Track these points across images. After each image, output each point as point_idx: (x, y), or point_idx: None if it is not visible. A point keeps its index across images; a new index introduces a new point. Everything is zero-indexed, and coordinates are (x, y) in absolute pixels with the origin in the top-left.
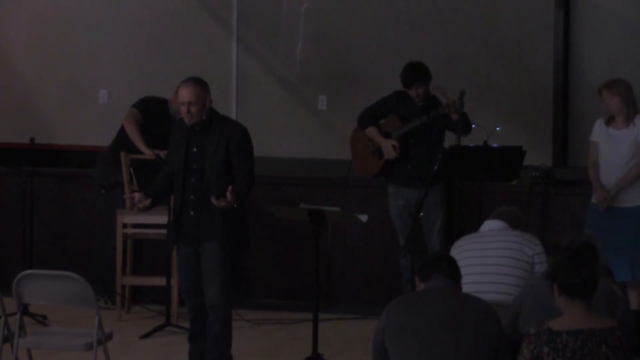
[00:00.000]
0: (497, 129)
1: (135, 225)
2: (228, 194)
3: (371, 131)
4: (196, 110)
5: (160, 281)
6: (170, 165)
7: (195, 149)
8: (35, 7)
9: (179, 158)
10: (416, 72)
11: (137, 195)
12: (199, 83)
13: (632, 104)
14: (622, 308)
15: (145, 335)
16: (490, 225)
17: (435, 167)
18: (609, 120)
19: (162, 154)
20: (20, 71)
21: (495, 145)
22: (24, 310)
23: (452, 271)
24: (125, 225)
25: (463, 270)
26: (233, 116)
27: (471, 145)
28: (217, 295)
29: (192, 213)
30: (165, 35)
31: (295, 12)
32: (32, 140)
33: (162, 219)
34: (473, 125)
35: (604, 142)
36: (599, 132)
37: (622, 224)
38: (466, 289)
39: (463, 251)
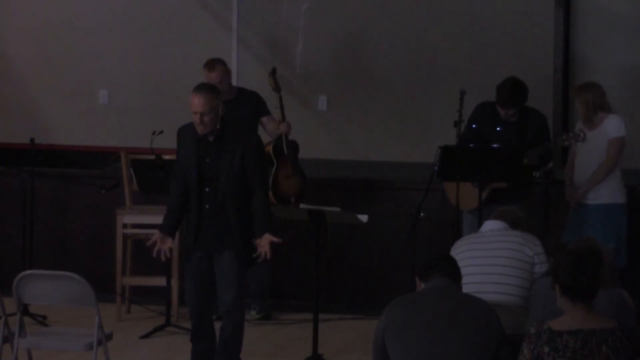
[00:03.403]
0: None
1: (135, 226)
2: (265, 244)
3: None
4: (209, 120)
5: (160, 281)
6: (181, 176)
7: (208, 160)
8: (35, 8)
9: (192, 170)
10: (514, 97)
11: (157, 237)
12: (212, 91)
13: (597, 107)
14: (633, 319)
15: (145, 335)
16: (490, 225)
17: (436, 168)
18: (584, 121)
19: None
20: (20, 71)
21: (495, 145)
22: (24, 310)
23: (453, 271)
24: (125, 225)
25: (463, 271)
26: None
27: (471, 145)
28: (232, 301)
29: (208, 222)
30: (165, 35)
31: (295, 12)
32: (32, 140)
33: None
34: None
35: (580, 142)
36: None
37: (589, 221)
38: (466, 289)
39: (463, 251)
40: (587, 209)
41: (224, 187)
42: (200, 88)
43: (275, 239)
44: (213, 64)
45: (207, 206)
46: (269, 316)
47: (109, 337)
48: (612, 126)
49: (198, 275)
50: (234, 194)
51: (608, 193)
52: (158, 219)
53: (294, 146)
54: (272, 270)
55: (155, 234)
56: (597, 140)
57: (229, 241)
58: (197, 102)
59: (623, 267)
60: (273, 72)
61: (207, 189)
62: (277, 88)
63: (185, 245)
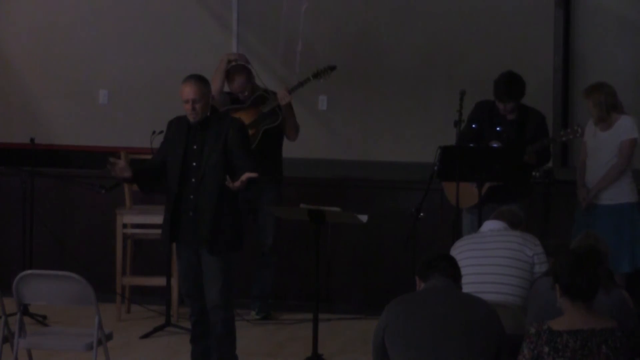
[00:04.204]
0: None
1: (135, 226)
2: (243, 177)
3: None
4: (200, 107)
5: (160, 281)
6: (161, 159)
7: (195, 147)
8: (35, 8)
9: (176, 155)
10: (510, 89)
11: (121, 162)
12: (202, 80)
13: (611, 108)
14: (633, 319)
15: (145, 335)
16: (490, 225)
17: (436, 167)
18: (598, 122)
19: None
20: (20, 71)
21: (495, 145)
22: (24, 310)
23: (453, 271)
24: (125, 225)
25: (463, 271)
26: None
27: (471, 145)
28: (217, 296)
29: (191, 214)
30: (165, 36)
31: (295, 12)
32: (32, 140)
33: (162, 219)
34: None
35: (591, 143)
36: (589, 133)
37: (601, 221)
38: (466, 289)
39: (463, 251)
40: (599, 209)
41: (203, 171)
42: (190, 77)
43: (253, 175)
44: (233, 75)
45: (191, 196)
46: (268, 316)
47: (109, 337)
48: (625, 127)
49: (190, 274)
50: (212, 180)
51: (620, 193)
52: (158, 219)
53: (274, 116)
54: (275, 274)
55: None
56: (610, 141)
57: (205, 234)
58: (188, 90)
59: None
60: (333, 67)
61: (193, 180)
62: (316, 75)
63: (162, 235)
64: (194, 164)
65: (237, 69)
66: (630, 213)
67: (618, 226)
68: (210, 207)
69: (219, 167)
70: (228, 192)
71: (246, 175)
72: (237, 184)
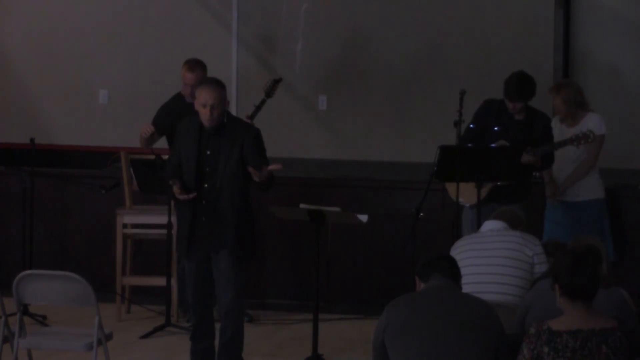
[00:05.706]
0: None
1: (135, 226)
2: (271, 167)
3: None
4: (218, 114)
5: (160, 281)
6: (176, 161)
7: (209, 152)
8: (35, 7)
9: (190, 161)
10: (521, 89)
11: (179, 185)
12: (221, 85)
13: (578, 105)
14: (633, 319)
15: (145, 335)
16: (490, 225)
17: (435, 167)
18: (564, 118)
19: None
20: (20, 71)
21: (495, 145)
22: (24, 310)
23: (453, 271)
24: (125, 226)
25: (463, 271)
26: None
27: (471, 145)
28: (231, 302)
29: (204, 219)
30: (165, 35)
31: (295, 12)
32: (32, 140)
33: (162, 219)
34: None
35: (558, 139)
36: (554, 130)
37: (583, 217)
38: (466, 289)
39: (463, 251)
40: (567, 206)
41: (221, 178)
42: (210, 80)
43: (278, 167)
44: (194, 66)
45: (204, 202)
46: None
47: (109, 337)
48: (594, 124)
49: (198, 275)
50: (230, 187)
51: (590, 189)
52: (158, 219)
53: None
54: (270, 274)
55: (173, 182)
56: None
57: (225, 239)
58: (208, 95)
59: (611, 260)
60: (278, 80)
61: (205, 185)
62: (269, 94)
63: (181, 245)
64: (207, 169)
65: (198, 61)
66: (599, 209)
67: (585, 223)
68: (231, 214)
69: (237, 175)
70: (245, 200)
71: (273, 166)
72: (265, 172)
